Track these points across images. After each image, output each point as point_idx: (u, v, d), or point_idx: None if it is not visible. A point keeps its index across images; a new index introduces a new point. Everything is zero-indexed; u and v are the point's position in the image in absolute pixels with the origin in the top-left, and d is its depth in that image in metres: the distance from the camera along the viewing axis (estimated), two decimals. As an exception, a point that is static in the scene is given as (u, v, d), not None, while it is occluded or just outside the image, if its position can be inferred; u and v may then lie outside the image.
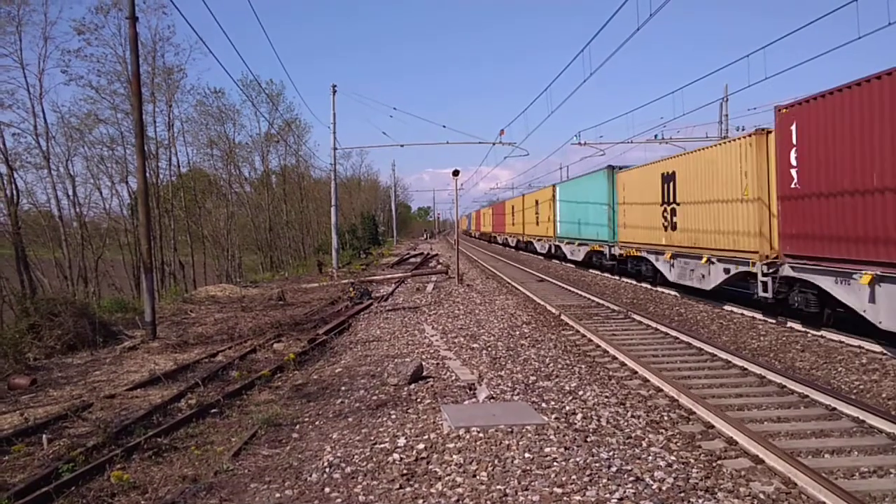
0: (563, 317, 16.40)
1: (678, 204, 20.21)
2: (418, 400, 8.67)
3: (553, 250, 39.51)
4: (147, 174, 18.23)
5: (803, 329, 13.90)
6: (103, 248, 34.73)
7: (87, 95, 33.90)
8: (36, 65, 31.51)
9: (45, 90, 31.45)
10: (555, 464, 6.06)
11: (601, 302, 19.27)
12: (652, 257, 22.55)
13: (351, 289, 22.69)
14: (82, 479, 6.50)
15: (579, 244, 32.55)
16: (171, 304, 22.21)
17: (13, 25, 29.41)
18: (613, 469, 5.93)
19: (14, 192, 28.57)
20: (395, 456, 6.49)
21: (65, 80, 37.66)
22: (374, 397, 8.99)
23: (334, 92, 35.06)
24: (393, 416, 7.96)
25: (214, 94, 46.93)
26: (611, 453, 6.37)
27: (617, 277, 27.39)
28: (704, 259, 17.93)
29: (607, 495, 5.39)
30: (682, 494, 5.49)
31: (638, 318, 16.03)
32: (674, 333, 13.72)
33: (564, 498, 5.36)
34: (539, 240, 44.28)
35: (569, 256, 34.88)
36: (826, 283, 12.64)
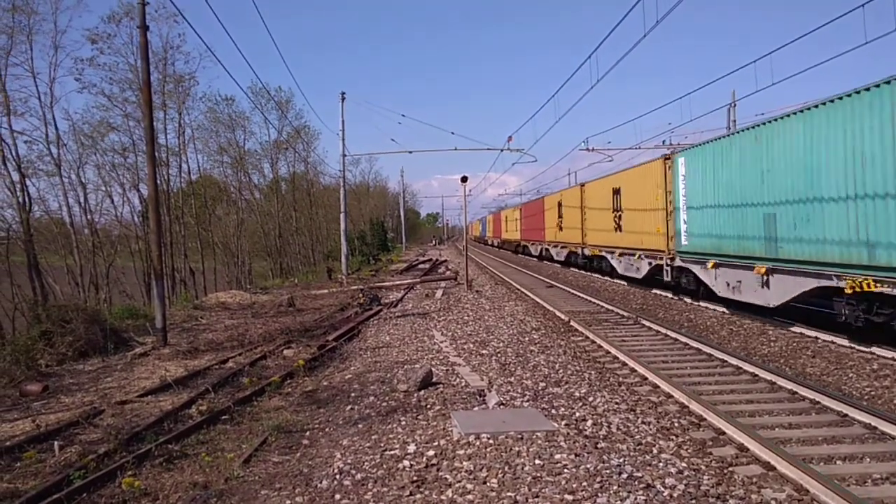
0: (572, 323, 16.36)
1: None
2: (428, 406, 8.67)
3: (669, 275, 21.17)
4: (158, 181, 18.35)
5: (812, 334, 13.81)
6: (114, 255, 34.98)
7: (100, 103, 34.33)
8: (47, 73, 31.84)
9: (57, 98, 31.76)
10: (565, 471, 6.05)
11: (610, 308, 19.22)
12: None
13: (360, 295, 22.73)
14: (94, 487, 6.53)
15: (772, 270, 15.01)
16: (182, 311, 22.30)
17: (24, 34, 29.72)
18: (624, 476, 5.91)
19: (26, 199, 28.87)
20: (406, 463, 6.49)
21: (77, 87, 38.11)
22: (384, 404, 8.99)
23: (343, 99, 35.22)
24: (403, 423, 7.96)
25: (225, 101, 47.30)
26: (621, 460, 6.35)
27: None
28: None
29: (618, 502, 5.37)
30: (694, 501, 5.47)
31: (647, 323, 15.98)
32: (683, 339, 13.66)
33: (575, 505, 5.35)
34: (624, 254, 26.10)
35: (721, 292, 17.68)
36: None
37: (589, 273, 32.79)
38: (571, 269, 36.74)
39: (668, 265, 21.24)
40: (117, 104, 34.29)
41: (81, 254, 32.11)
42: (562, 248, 39.23)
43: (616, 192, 27.08)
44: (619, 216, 26.65)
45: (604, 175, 30.72)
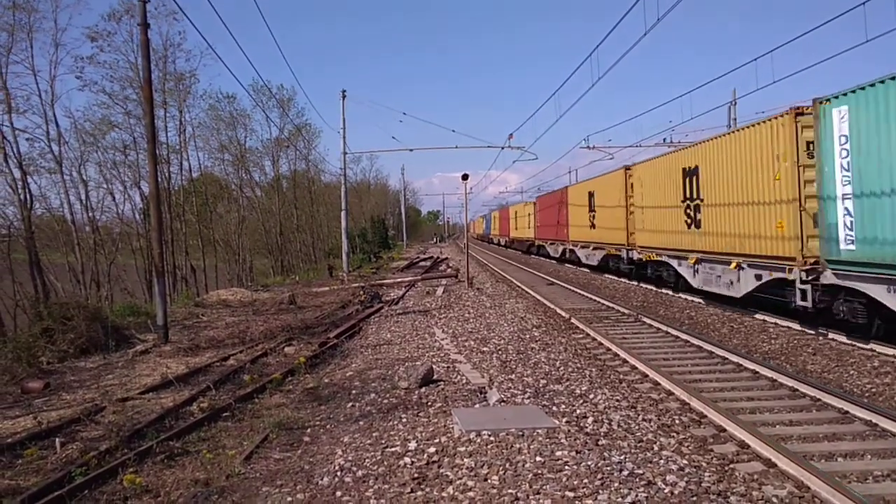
0: (573, 320, 16.36)
1: None
2: (429, 404, 8.67)
3: (807, 297, 13.69)
4: (159, 179, 18.36)
5: (812, 332, 13.82)
6: (116, 253, 34.96)
7: (101, 101, 34.23)
8: (48, 71, 31.76)
9: (57, 96, 31.67)
10: (566, 467, 6.05)
11: (611, 305, 19.22)
12: None
13: (361, 292, 22.75)
14: (95, 483, 6.54)
15: None
16: (183, 309, 22.33)
17: (24, 32, 29.68)
18: (625, 473, 5.92)
19: (28, 196, 28.83)
20: (407, 460, 6.50)
21: (78, 85, 37.89)
22: (385, 401, 9.00)
23: (344, 97, 35.17)
24: (404, 420, 7.97)
25: (226, 99, 47.24)
26: (622, 457, 6.35)
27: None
28: None
29: (619, 499, 5.37)
30: (695, 498, 5.47)
31: (648, 321, 15.98)
32: (684, 337, 13.66)
33: (576, 502, 5.35)
34: (704, 262, 18.87)
35: None
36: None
37: (637, 283, 25.77)
38: (607, 276, 29.97)
39: (803, 282, 13.72)
40: (118, 102, 34.27)
41: (83, 251, 32.09)
42: (595, 249, 31.68)
43: (689, 173, 19.81)
44: (696, 207, 19.42)
45: (666, 152, 23.19)
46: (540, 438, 6.86)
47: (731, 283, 17.12)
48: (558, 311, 18.28)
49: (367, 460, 6.61)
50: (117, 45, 33.79)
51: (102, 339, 14.59)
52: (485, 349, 12.42)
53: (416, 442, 7.02)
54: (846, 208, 12.63)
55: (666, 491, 5.58)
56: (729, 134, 17.83)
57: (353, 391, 9.85)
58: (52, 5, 37.90)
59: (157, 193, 16.90)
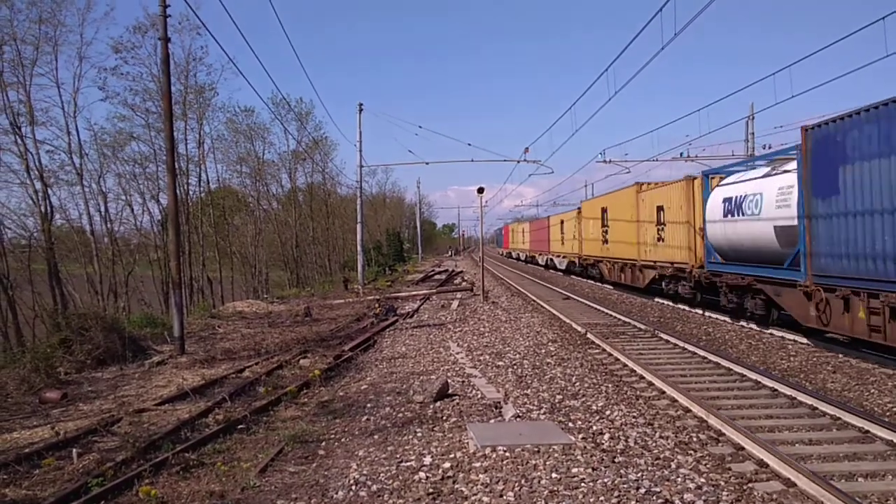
0: (589, 335, 16.27)
1: None
2: (444, 418, 8.65)
3: None
4: (177, 191, 18.52)
5: (831, 350, 13.65)
6: (133, 264, 35.29)
7: (121, 114, 34.63)
8: (71, 83, 32.12)
9: (79, 108, 32.06)
10: (582, 485, 6.00)
11: (627, 321, 19.09)
12: None
13: (376, 305, 22.76)
14: (111, 494, 6.56)
15: None
16: (199, 320, 22.43)
17: (50, 45, 30.12)
18: (642, 491, 5.86)
19: (48, 208, 29.15)
20: (422, 474, 6.47)
21: (100, 97, 38.26)
22: (400, 415, 8.98)
23: (360, 110, 35.39)
24: (419, 434, 7.95)
25: (244, 112, 47.61)
26: (639, 474, 6.29)
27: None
28: None
29: (636, 517, 5.32)
30: (713, 518, 5.40)
31: (665, 336, 15.85)
32: (702, 353, 13.54)
33: (592, 520, 5.30)
34: None
35: None
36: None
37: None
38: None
39: None
40: (139, 114, 34.69)
41: (101, 262, 32.38)
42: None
43: None
44: None
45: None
46: (556, 454, 6.82)
47: None
48: (574, 325, 18.18)
49: (381, 474, 6.59)
50: (141, 57, 34.13)
51: (119, 349, 14.69)
52: (500, 363, 12.37)
53: (431, 456, 6.99)
54: None
55: (684, 510, 5.51)
56: None
57: (368, 404, 9.84)
58: (79, 19, 38.42)
59: (175, 206, 17.06)
